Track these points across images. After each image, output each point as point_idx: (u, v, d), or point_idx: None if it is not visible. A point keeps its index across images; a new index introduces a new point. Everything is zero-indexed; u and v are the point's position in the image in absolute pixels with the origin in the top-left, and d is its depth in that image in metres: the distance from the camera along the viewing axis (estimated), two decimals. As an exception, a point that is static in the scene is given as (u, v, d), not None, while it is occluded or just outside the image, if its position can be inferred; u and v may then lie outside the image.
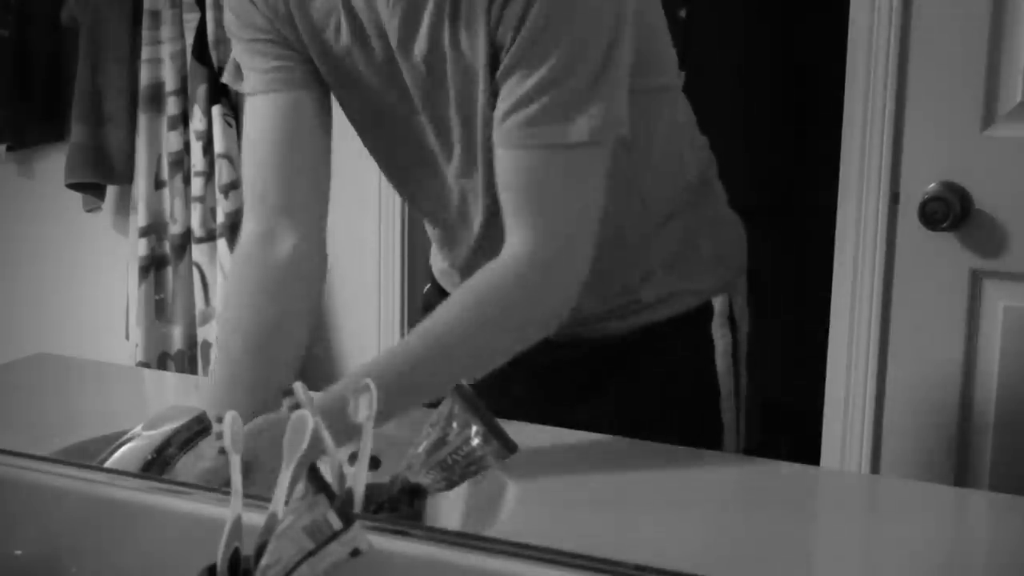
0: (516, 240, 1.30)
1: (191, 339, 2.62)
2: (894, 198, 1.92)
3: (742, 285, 1.57)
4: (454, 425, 1.07)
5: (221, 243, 2.51)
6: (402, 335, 2.53)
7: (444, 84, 1.32)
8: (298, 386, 1.06)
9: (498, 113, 1.28)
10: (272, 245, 1.39)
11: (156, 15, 2.59)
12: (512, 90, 1.27)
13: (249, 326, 1.36)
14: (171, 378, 2.33)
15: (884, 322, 1.95)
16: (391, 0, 1.30)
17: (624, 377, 1.50)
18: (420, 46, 1.30)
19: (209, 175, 2.54)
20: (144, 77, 2.62)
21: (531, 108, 1.26)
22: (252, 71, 1.41)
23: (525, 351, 1.32)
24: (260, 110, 1.41)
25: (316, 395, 1.05)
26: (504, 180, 1.30)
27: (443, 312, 1.29)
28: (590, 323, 1.47)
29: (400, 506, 1.09)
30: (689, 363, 1.51)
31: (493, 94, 1.29)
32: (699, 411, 1.52)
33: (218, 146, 2.52)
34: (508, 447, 1.07)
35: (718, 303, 1.52)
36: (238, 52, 1.43)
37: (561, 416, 1.41)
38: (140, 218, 2.64)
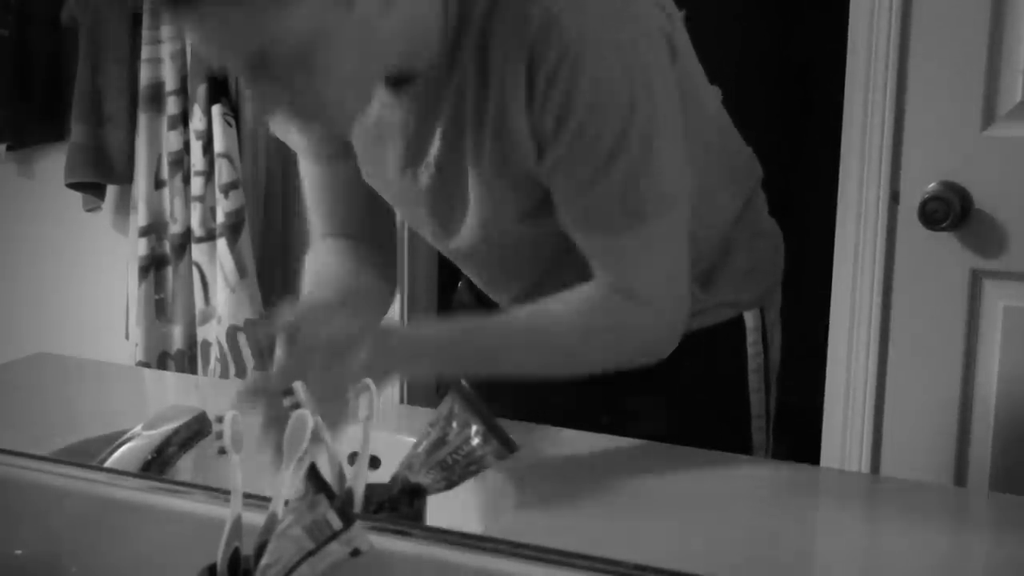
0: (607, 285, 1.30)
1: (191, 339, 2.62)
2: (894, 198, 1.92)
3: (776, 297, 1.55)
4: (454, 425, 1.07)
5: (221, 243, 2.51)
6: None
7: (458, 189, 1.31)
8: (298, 386, 1.06)
9: (557, 201, 1.27)
10: (350, 244, 1.46)
11: (156, 15, 2.59)
12: (566, 179, 1.25)
13: (340, 274, 1.41)
14: (171, 378, 2.33)
15: (884, 322, 1.95)
16: (404, 101, 1.28)
17: (650, 388, 1.45)
18: (434, 150, 1.29)
19: (209, 174, 2.54)
20: (144, 77, 2.61)
21: (592, 194, 1.24)
22: (300, 135, 1.44)
23: None
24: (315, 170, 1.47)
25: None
26: (582, 248, 1.30)
27: (555, 307, 1.30)
28: None
29: (400, 506, 1.09)
30: (720, 376, 1.49)
31: (528, 189, 1.28)
32: (728, 432, 1.49)
33: (218, 145, 2.51)
34: (508, 447, 1.07)
35: (750, 318, 1.49)
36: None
37: (584, 425, 1.39)
38: (140, 218, 2.64)
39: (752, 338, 1.49)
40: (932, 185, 1.89)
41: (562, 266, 1.33)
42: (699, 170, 1.35)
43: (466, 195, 1.30)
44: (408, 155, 1.32)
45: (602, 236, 1.27)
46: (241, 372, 2.50)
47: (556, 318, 1.31)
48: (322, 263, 1.45)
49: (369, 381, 1.07)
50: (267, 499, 0.95)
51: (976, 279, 1.89)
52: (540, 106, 1.20)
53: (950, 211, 1.86)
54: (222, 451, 0.94)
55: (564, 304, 1.31)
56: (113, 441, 1.30)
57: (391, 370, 1.24)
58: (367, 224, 1.49)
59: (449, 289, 1.75)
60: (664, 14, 1.29)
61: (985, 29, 1.84)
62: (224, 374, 2.52)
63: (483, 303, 1.59)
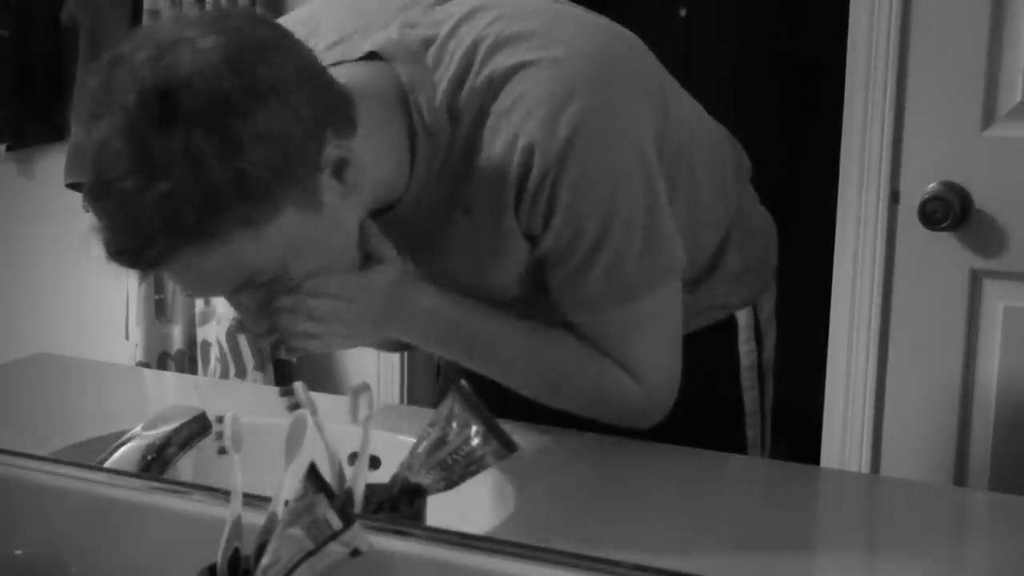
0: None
1: (191, 339, 2.62)
2: (894, 198, 1.92)
3: (770, 294, 1.54)
4: (454, 425, 1.07)
5: (221, 242, 2.50)
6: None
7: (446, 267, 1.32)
8: (298, 386, 1.06)
9: (548, 284, 1.29)
10: None
11: (156, 15, 2.58)
12: (553, 269, 1.27)
13: None
14: (171, 378, 2.33)
15: (884, 322, 1.95)
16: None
17: None
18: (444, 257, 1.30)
19: (209, 174, 2.53)
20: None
21: (579, 281, 1.26)
22: None
23: None
24: None
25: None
26: (576, 326, 1.31)
27: (558, 333, 1.32)
28: None
29: (400, 506, 1.09)
30: (710, 381, 1.48)
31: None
32: (722, 429, 1.49)
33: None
34: (508, 447, 1.07)
35: (743, 316, 1.49)
36: None
37: (582, 425, 1.39)
38: (140, 217, 2.63)
39: (745, 336, 1.49)
40: (932, 185, 1.88)
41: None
42: (690, 199, 1.36)
43: (455, 271, 1.32)
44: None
45: (591, 314, 1.29)
46: (241, 372, 2.50)
47: (560, 345, 1.32)
48: None
49: (367, 383, 1.07)
50: (267, 499, 0.95)
51: (976, 279, 1.89)
52: (527, 212, 1.23)
53: (950, 211, 1.86)
54: (222, 451, 0.94)
55: (571, 339, 1.32)
56: (113, 441, 1.30)
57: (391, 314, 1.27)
58: None
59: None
60: (657, 83, 1.32)
61: (985, 29, 1.84)
62: (224, 374, 2.52)
63: None
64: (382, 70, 1.24)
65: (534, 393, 1.34)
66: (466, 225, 1.26)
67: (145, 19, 2.59)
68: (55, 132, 2.81)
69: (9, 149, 2.85)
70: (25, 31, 2.77)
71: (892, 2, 1.89)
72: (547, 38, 1.23)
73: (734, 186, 1.49)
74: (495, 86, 1.21)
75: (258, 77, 1.06)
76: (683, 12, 2.76)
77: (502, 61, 1.22)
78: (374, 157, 1.20)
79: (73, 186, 2.70)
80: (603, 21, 1.32)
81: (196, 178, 1.04)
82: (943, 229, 1.87)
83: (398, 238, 1.28)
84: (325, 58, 1.24)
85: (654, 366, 1.32)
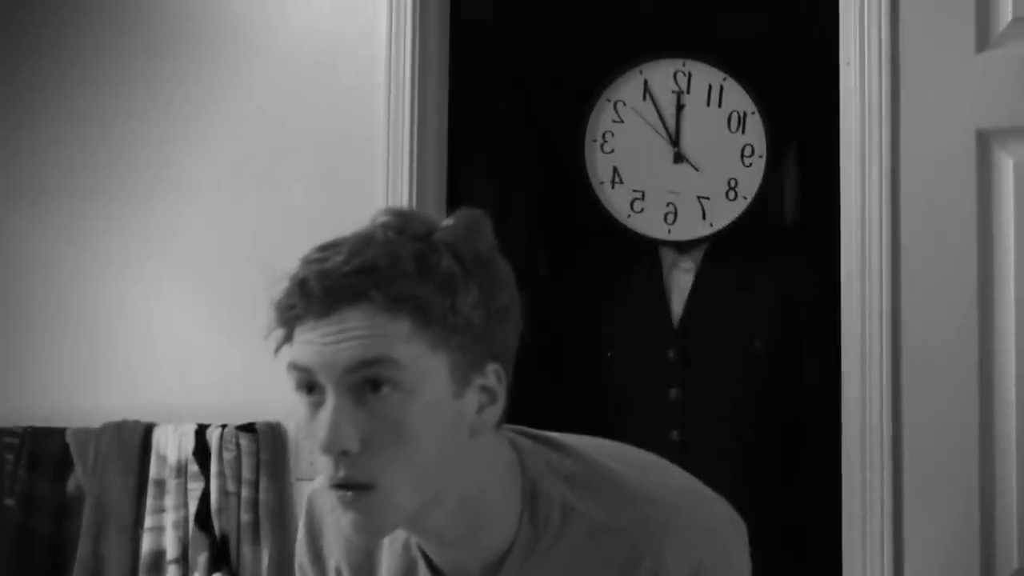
0: None
1: None
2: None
3: None
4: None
5: None
6: None
7: None
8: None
9: None
10: None
11: (161, 484, 2.61)
12: None
13: None
14: None
15: None
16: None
17: None
18: None
19: (212, 644, 2.51)
20: (146, 545, 2.61)
21: None
22: None
23: None
24: None
25: None
26: None
27: None
28: None
29: None
30: None
31: None
32: None
33: (219, 614, 2.50)
34: None
35: None
36: None
37: None
38: None
39: None
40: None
41: None
42: None
43: None
44: None
45: None
46: None
47: None
48: None
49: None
50: None
51: None
52: None
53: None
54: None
55: None
56: None
57: None
58: None
59: None
60: None
61: (976, 502, 1.87)
62: None
63: None
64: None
65: None
66: None
67: (150, 488, 2.62)
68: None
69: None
70: (31, 502, 2.79)
71: (884, 430, 1.93)
72: (660, 485, 1.34)
73: None
74: (612, 509, 1.27)
75: (497, 278, 1.24)
76: (676, 435, 2.80)
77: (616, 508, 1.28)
78: (488, 491, 1.25)
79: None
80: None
81: (421, 270, 1.19)
82: None
83: None
84: None
85: None
